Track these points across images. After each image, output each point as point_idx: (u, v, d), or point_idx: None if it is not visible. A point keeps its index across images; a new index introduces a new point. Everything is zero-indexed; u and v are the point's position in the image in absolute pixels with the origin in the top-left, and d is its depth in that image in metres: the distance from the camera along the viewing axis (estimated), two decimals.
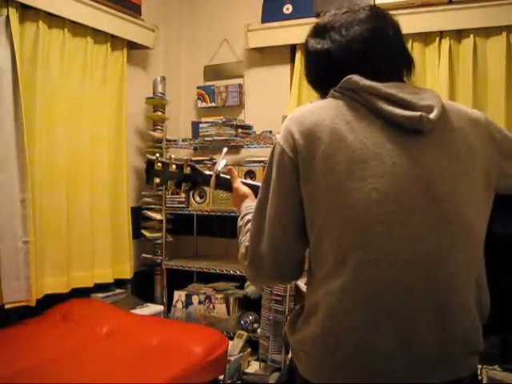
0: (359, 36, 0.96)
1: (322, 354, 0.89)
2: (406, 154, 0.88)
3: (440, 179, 0.88)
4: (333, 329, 0.87)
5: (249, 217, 1.06)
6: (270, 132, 3.00)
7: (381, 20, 0.99)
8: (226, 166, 1.36)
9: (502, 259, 1.02)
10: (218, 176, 1.34)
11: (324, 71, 1.01)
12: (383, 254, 0.85)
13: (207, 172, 1.37)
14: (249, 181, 1.32)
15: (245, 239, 1.02)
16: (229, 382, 2.53)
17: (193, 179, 1.36)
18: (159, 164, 1.33)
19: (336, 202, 0.87)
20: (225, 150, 1.42)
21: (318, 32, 1.01)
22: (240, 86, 3.39)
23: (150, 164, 1.34)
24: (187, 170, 1.35)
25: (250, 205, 1.15)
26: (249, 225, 1.02)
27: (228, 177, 1.34)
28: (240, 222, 1.10)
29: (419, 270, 0.85)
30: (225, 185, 1.34)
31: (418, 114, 0.88)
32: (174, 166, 1.34)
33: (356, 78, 0.93)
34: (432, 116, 0.89)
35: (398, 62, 1.00)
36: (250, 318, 2.93)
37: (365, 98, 0.91)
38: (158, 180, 1.34)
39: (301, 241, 0.95)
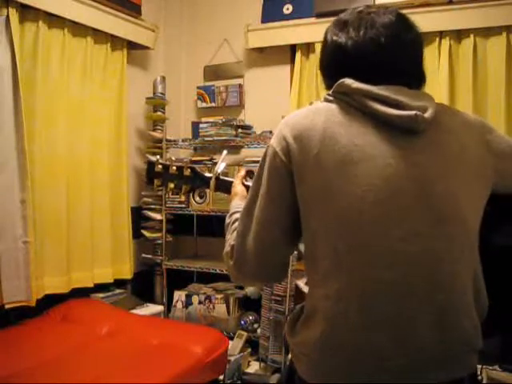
0: (376, 40, 0.94)
1: (320, 355, 0.89)
2: (400, 154, 0.88)
3: (434, 179, 0.88)
4: (331, 331, 0.87)
5: (236, 216, 1.06)
6: (270, 132, 3.00)
7: (404, 28, 0.97)
8: (226, 167, 1.36)
9: (503, 262, 1.02)
10: (217, 178, 1.34)
11: (334, 65, 1.00)
12: (379, 255, 0.85)
13: (207, 174, 1.37)
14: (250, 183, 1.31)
15: (231, 237, 1.02)
16: (229, 382, 2.53)
17: (193, 181, 1.36)
18: (160, 166, 1.34)
19: (330, 204, 0.87)
20: (225, 152, 1.42)
21: (339, 25, 1.00)
22: (240, 86, 3.39)
23: (150, 166, 1.35)
24: (187, 172, 1.35)
25: (238, 203, 1.15)
26: (236, 223, 1.02)
27: (227, 179, 1.34)
28: (228, 220, 1.10)
29: (417, 270, 0.85)
30: (224, 187, 1.34)
31: (413, 112, 0.88)
32: (174, 168, 1.34)
33: (348, 81, 0.93)
34: (427, 115, 0.89)
35: (409, 74, 0.97)
36: (250, 318, 2.93)
37: (358, 101, 0.91)
38: (158, 182, 1.35)
39: (287, 243, 0.96)
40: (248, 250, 0.96)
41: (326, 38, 1.02)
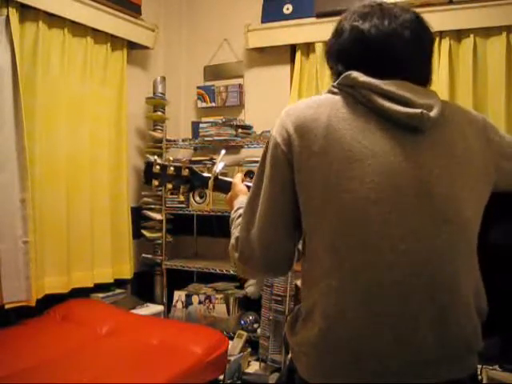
0: (399, 34, 0.93)
1: (320, 355, 0.89)
2: (403, 152, 0.87)
3: (438, 178, 0.88)
4: (331, 330, 0.87)
5: (241, 211, 1.06)
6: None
7: (422, 29, 0.97)
8: (224, 167, 1.36)
9: (502, 263, 1.02)
10: (216, 178, 1.34)
11: (350, 51, 0.97)
12: (380, 255, 0.85)
13: (205, 174, 1.37)
14: (249, 183, 1.31)
15: (235, 230, 1.03)
16: (229, 381, 2.53)
17: (191, 181, 1.36)
18: (157, 166, 1.34)
19: (331, 201, 0.86)
20: (223, 152, 1.42)
21: (361, 14, 0.97)
22: (240, 86, 3.39)
23: (148, 166, 1.34)
24: (185, 173, 1.35)
25: (243, 200, 1.15)
26: (240, 219, 1.02)
27: (226, 179, 1.34)
28: (233, 215, 1.11)
29: (418, 270, 0.85)
30: (223, 187, 1.34)
31: (419, 110, 0.87)
32: (172, 169, 1.34)
33: (355, 74, 0.92)
34: (432, 114, 0.89)
35: (420, 74, 0.97)
36: (250, 318, 2.93)
37: (363, 95, 0.90)
38: (156, 182, 1.34)
39: (291, 235, 0.95)
40: (252, 242, 0.95)
41: (341, 26, 0.99)
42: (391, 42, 0.93)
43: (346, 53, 0.98)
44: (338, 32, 1.00)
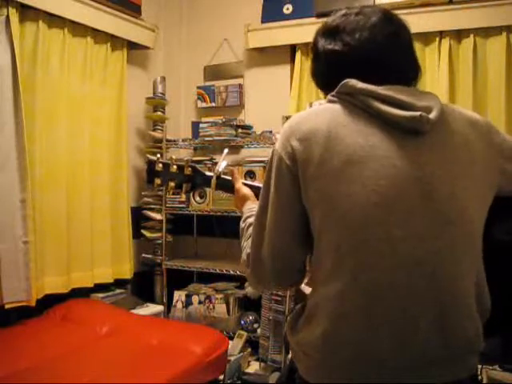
0: (372, 40, 0.95)
1: (321, 355, 0.89)
2: (404, 155, 0.87)
3: (439, 180, 0.88)
4: (332, 331, 0.87)
5: (250, 220, 1.06)
6: (270, 132, 3.00)
7: (393, 25, 0.98)
8: (226, 167, 1.36)
9: (504, 262, 1.02)
10: (218, 177, 1.34)
11: (332, 72, 0.99)
12: (382, 257, 0.85)
13: (208, 173, 1.37)
14: (250, 182, 1.31)
15: (246, 245, 1.03)
16: (229, 381, 2.53)
17: (193, 180, 1.36)
18: (160, 165, 1.33)
19: (334, 205, 0.87)
20: (226, 151, 1.42)
21: (329, 32, 0.99)
22: (240, 85, 3.39)
23: (150, 165, 1.34)
24: (188, 171, 1.35)
25: (251, 207, 1.15)
26: (250, 229, 1.02)
27: (229, 178, 1.34)
28: (242, 225, 1.10)
29: (419, 271, 0.85)
30: (225, 186, 1.34)
31: (418, 113, 0.87)
32: (174, 167, 1.34)
33: (353, 81, 0.92)
34: (432, 116, 0.89)
35: (407, 69, 0.98)
36: (250, 318, 2.93)
37: (362, 101, 0.91)
38: (158, 181, 1.34)
39: (301, 248, 0.95)
40: (263, 257, 0.96)
41: (316, 47, 1.02)
42: (366, 51, 0.95)
43: (329, 75, 1.00)
44: (315, 56, 1.03)
